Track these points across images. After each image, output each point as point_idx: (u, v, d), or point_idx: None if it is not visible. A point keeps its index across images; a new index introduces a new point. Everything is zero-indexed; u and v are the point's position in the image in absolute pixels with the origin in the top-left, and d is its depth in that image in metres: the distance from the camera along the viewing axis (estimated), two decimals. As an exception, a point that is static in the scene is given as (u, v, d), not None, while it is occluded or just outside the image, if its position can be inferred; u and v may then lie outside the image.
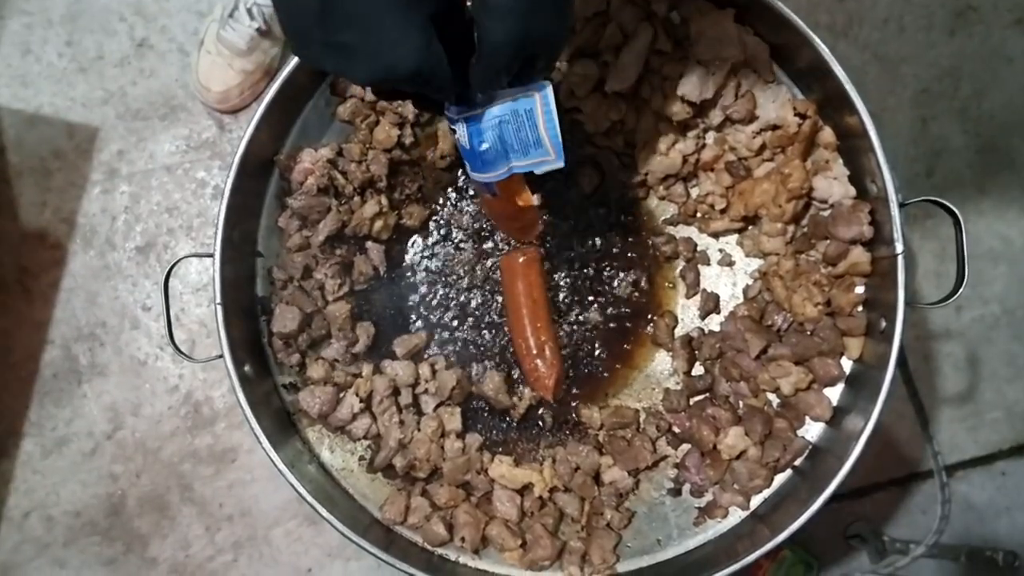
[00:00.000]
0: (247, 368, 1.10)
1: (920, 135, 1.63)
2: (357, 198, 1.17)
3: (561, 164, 0.83)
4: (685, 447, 1.16)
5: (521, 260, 1.16)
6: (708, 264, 1.21)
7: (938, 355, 1.61)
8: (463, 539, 1.11)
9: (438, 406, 1.17)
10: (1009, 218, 1.62)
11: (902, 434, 1.55)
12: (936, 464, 1.50)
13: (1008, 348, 1.61)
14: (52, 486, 1.58)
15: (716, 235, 1.20)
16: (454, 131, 0.84)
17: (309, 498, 1.05)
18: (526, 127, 0.80)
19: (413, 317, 1.22)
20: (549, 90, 0.79)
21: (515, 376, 1.20)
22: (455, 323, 1.21)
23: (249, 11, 1.50)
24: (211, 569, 1.59)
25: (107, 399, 1.58)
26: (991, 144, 1.63)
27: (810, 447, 1.12)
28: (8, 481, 1.58)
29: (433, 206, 1.22)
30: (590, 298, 1.21)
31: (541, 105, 0.79)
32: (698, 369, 1.19)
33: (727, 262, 1.20)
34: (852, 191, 1.09)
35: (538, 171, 0.84)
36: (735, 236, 1.20)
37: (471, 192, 1.22)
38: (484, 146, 0.82)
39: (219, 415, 1.59)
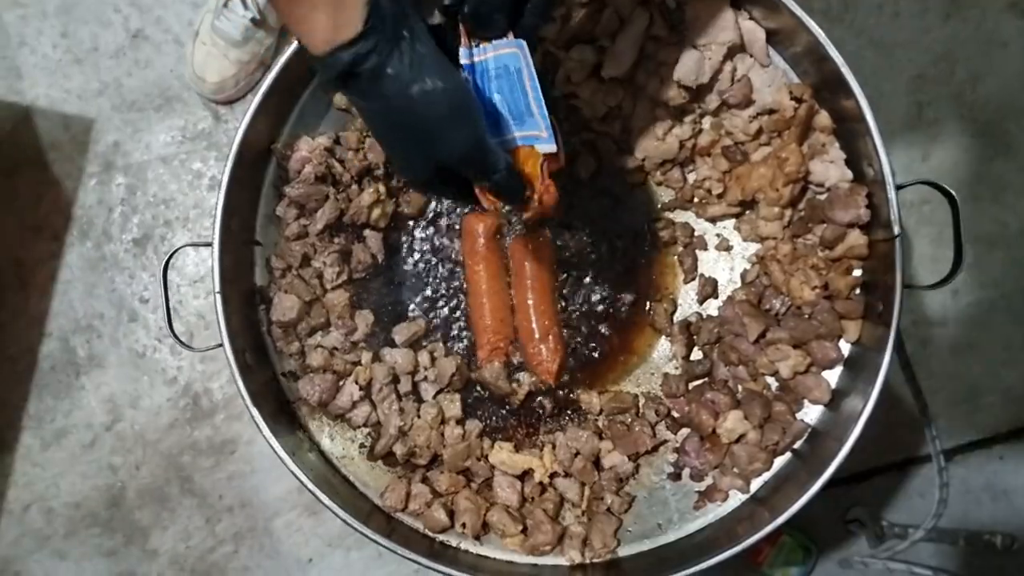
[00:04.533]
0: (247, 356, 1.10)
1: (916, 120, 1.63)
2: (355, 186, 1.17)
3: (552, 147, 0.82)
4: (684, 431, 1.17)
5: (530, 245, 1.16)
6: (706, 249, 1.21)
7: (935, 340, 1.61)
8: (464, 525, 1.11)
9: (438, 393, 1.17)
10: (1005, 202, 1.62)
11: (900, 419, 1.55)
12: (934, 448, 1.50)
13: (1005, 332, 1.61)
14: (52, 478, 1.59)
15: (713, 220, 1.20)
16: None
17: (310, 486, 1.05)
18: (517, 87, 0.80)
19: (412, 305, 1.22)
20: (525, 47, 0.79)
21: (514, 362, 1.20)
22: (454, 310, 1.21)
23: (243, 1, 1.50)
24: (212, 560, 1.60)
25: (105, 391, 1.58)
26: (986, 129, 1.63)
27: (809, 430, 1.12)
28: (8, 474, 1.58)
29: (431, 193, 1.22)
30: (588, 284, 1.21)
31: (524, 60, 0.79)
32: (696, 354, 1.20)
33: (725, 247, 1.20)
34: (849, 174, 1.09)
35: (539, 148, 0.83)
36: (732, 221, 1.20)
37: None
38: (494, 97, 0.81)
39: (218, 406, 1.59)
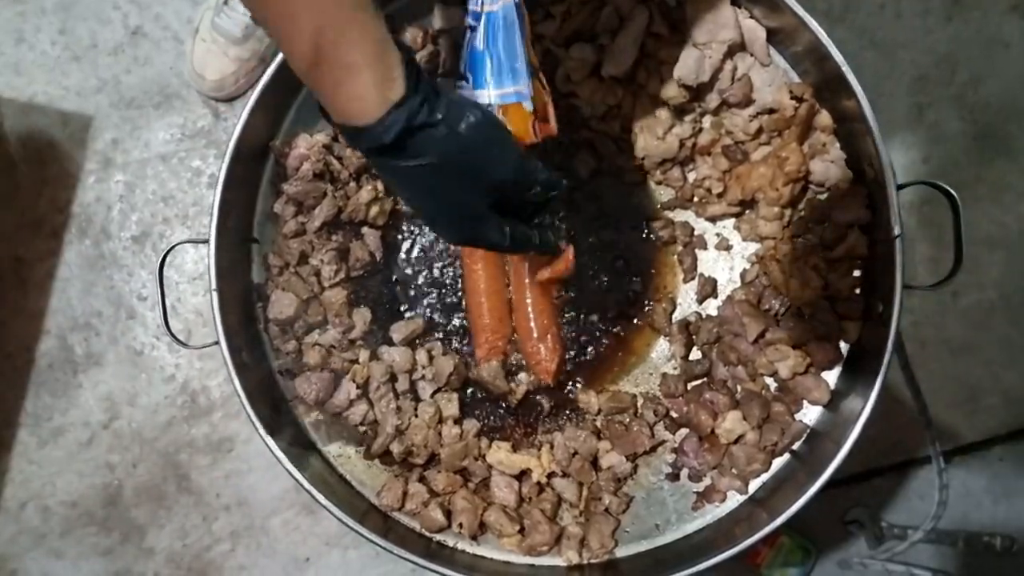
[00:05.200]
0: (243, 354, 1.10)
1: (917, 121, 1.63)
2: (353, 183, 1.17)
3: (530, 104, 0.82)
4: (683, 432, 1.16)
5: None
6: (705, 248, 1.20)
7: (935, 341, 1.61)
8: (461, 525, 1.11)
9: (435, 392, 1.17)
10: (1005, 204, 1.62)
11: (900, 420, 1.54)
12: (934, 450, 1.49)
13: (1005, 334, 1.61)
14: (48, 476, 1.58)
15: (713, 219, 1.20)
16: (470, 30, 0.82)
17: (306, 484, 1.05)
18: (514, 39, 0.79)
19: (410, 303, 1.21)
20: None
21: (513, 361, 1.19)
22: (452, 309, 1.21)
23: (244, -2, 1.49)
24: (209, 559, 1.59)
25: (103, 389, 1.58)
26: (988, 131, 1.63)
27: (808, 431, 1.12)
28: (4, 472, 1.58)
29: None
30: (587, 283, 1.21)
31: (520, 12, 0.80)
32: (695, 354, 1.19)
33: (724, 246, 1.20)
34: (849, 174, 1.09)
35: (525, 106, 0.82)
36: (732, 220, 1.20)
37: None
38: (498, 49, 0.80)
39: (216, 404, 1.59)
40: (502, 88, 0.81)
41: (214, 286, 1.06)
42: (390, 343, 1.18)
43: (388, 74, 0.67)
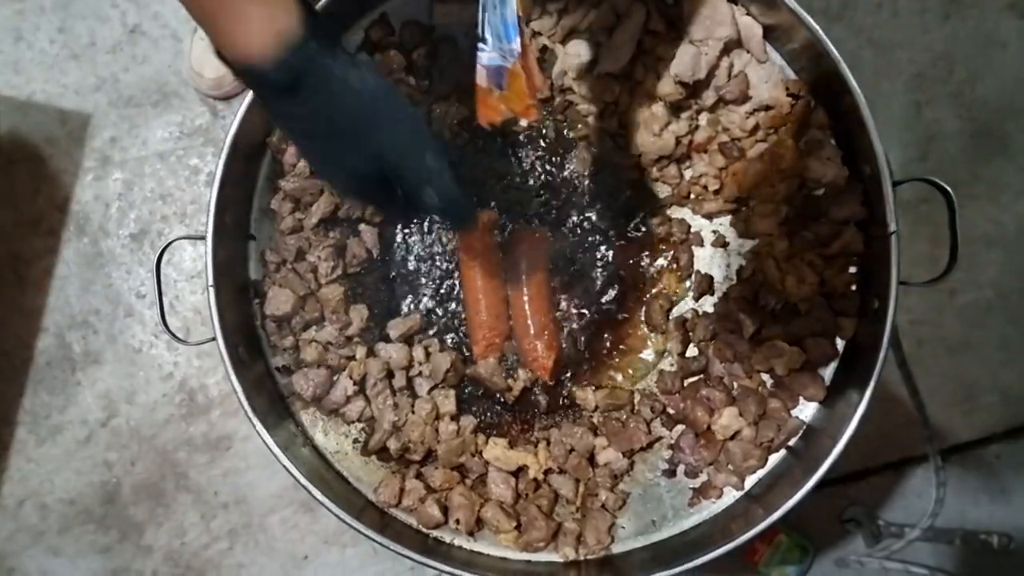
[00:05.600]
0: (240, 351, 1.10)
1: (914, 120, 1.63)
2: (350, 180, 1.17)
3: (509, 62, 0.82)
4: (679, 428, 1.16)
5: (526, 241, 1.16)
6: (702, 245, 1.20)
7: (932, 339, 1.61)
8: (458, 521, 1.11)
9: (432, 389, 1.17)
10: (1003, 202, 1.62)
11: (897, 418, 1.55)
12: (931, 448, 1.49)
13: (1002, 332, 1.61)
14: (46, 474, 1.58)
15: (710, 216, 1.20)
16: None
17: (303, 480, 1.05)
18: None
19: (407, 300, 1.21)
20: None
21: (510, 358, 1.19)
22: (449, 305, 1.21)
23: (242, -4, 1.49)
24: (207, 557, 1.59)
25: (101, 387, 1.58)
26: (985, 129, 1.63)
27: (804, 427, 1.12)
28: (2, 470, 1.58)
29: (427, 189, 1.22)
30: (584, 280, 1.21)
31: None
32: (692, 350, 1.19)
33: (721, 243, 1.20)
34: (845, 171, 1.09)
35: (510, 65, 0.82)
36: (728, 217, 1.20)
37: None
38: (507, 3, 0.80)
39: (214, 403, 1.59)
40: (510, 46, 0.81)
41: (211, 282, 1.06)
42: (387, 340, 1.18)
43: (282, 8, 0.65)
